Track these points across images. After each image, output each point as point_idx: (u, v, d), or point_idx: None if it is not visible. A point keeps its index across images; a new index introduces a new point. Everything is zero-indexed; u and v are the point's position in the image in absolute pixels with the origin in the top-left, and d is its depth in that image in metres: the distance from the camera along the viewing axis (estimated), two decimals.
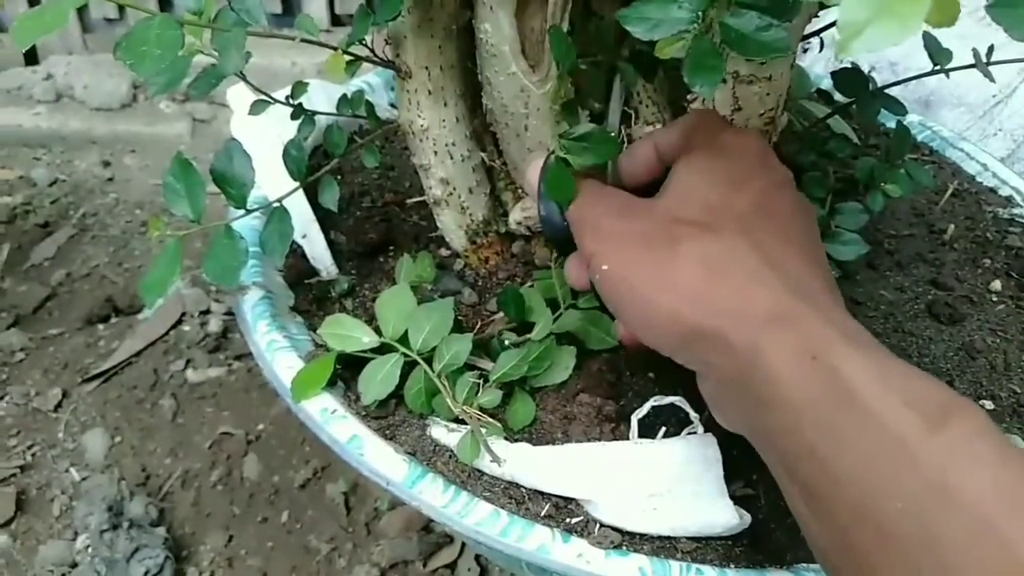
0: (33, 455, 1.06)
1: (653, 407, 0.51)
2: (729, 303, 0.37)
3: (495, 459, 0.47)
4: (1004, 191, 0.80)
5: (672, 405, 0.50)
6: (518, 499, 0.49)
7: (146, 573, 0.87)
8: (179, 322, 1.24)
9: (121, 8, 0.42)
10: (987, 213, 0.77)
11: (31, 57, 1.86)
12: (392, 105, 0.89)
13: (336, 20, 1.78)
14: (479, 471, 0.50)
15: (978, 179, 0.83)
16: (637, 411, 0.51)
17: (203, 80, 0.52)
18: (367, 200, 0.76)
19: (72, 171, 1.61)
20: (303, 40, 0.48)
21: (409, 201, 0.75)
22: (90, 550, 0.90)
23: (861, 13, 0.25)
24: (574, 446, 0.48)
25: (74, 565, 0.92)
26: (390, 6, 0.49)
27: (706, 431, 0.49)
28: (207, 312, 1.25)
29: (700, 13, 0.37)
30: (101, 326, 1.25)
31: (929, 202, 0.78)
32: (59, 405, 1.12)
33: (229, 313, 1.24)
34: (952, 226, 0.75)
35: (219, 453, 1.06)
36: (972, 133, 1.04)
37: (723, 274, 0.38)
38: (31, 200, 1.53)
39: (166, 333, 1.22)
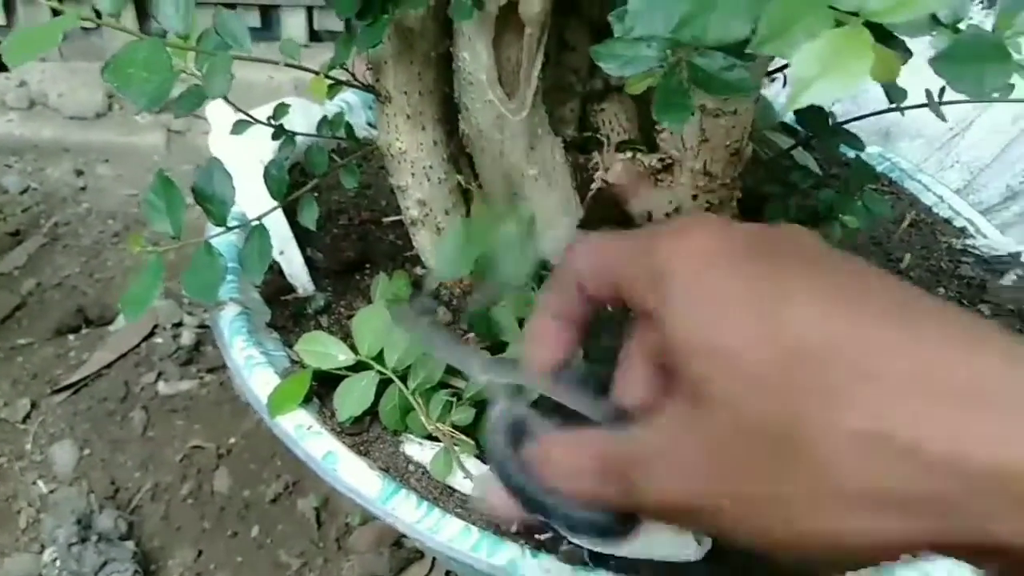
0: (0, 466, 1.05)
1: None
2: None
3: (467, 475, 0.48)
4: (959, 222, 0.83)
5: None
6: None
7: None
8: (151, 334, 1.23)
9: (97, 12, 0.43)
10: (942, 243, 0.80)
11: (3, 64, 1.85)
12: (370, 124, 0.91)
13: (315, 36, 1.79)
14: (451, 488, 0.51)
15: (934, 210, 0.86)
16: None
17: (186, 99, 0.53)
18: (344, 218, 0.77)
19: (44, 179, 1.60)
20: (286, 64, 0.50)
21: (385, 220, 0.77)
22: (58, 563, 0.90)
23: (811, 69, 0.27)
24: None
25: None
26: (372, 34, 0.50)
27: None
28: (180, 324, 1.24)
29: (668, 52, 0.39)
30: (71, 337, 1.24)
31: (887, 231, 0.81)
32: (27, 416, 1.11)
33: (202, 326, 1.24)
34: (908, 255, 0.78)
35: (189, 467, 1.06)
36: (930, 164, 1.08)
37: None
38: (2, 208, 1.51)
39: (138, 345, 1.21)
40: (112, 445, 1.08)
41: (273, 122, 0.57)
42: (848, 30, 0.28)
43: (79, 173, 1.62)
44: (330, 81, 0.54)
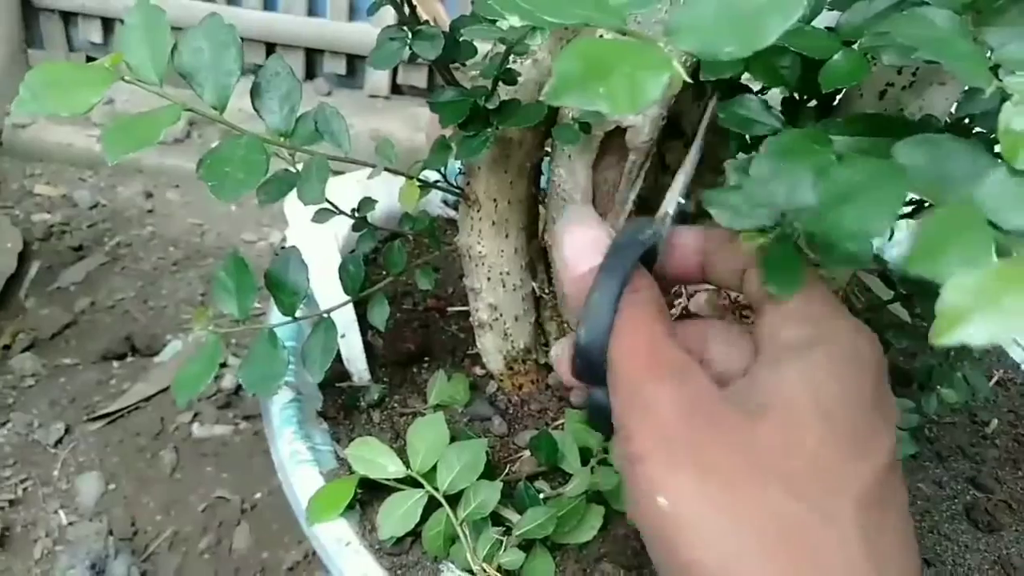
0: (24, 490, 1.04)
1: None
2: None
3: None
4: None
5: None
6: None
7: None
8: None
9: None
10: None
11: None
12: (445, 203, 0.90)
13: (396, 88, 1.81)
14: None
15: (1023, 368, 0.81)
16: None
17: (274, 187, 0.52)
18: (408, 302, 0.75)
19: (114, 197, 1.63)
20: (386, 169, 0.48)
21: (450, 309, 0.74)
22: None
23: (965, 299, 0.23)
24: None
25: None
26: (474, 147, 0.48)
27: None
28: (224, 365, 1.24)
29: (783, 216, 0.36)
30: (116, 363, 1.24)
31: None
32: (60, 441, 1.10)
33: None
34: (995, 420, 0.73)
35: (212, 518, 1.03)
36: None
37: (821, 571, 0.28)
38: (69, 221, 1.54)
39: None
40: (138, 483, 1.07)
41: (357, 214, 0.56)
42: (1012, 264, 0.24)
43: (149, 195, 1.64)
44: (420, 184, 0.52)
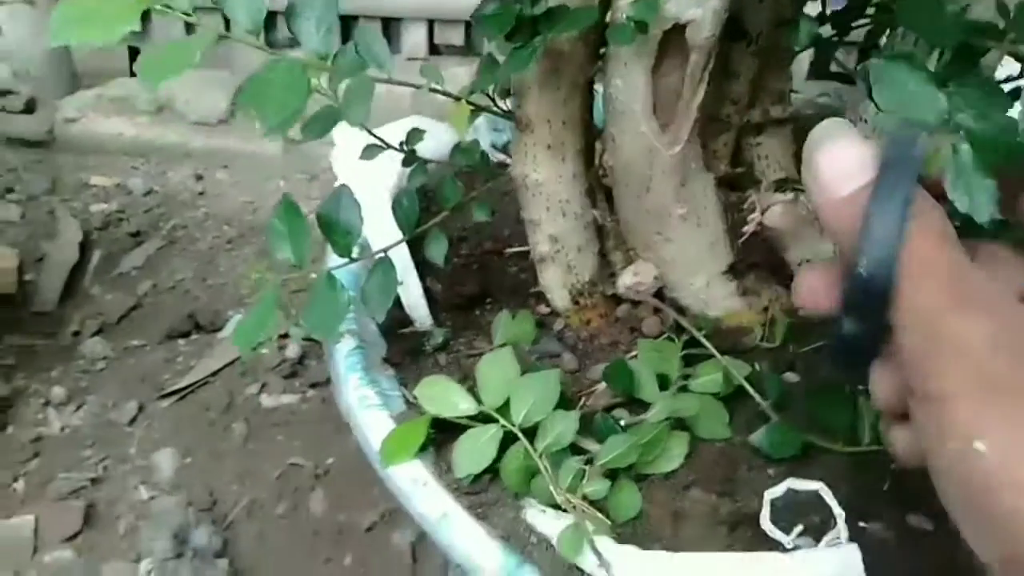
0: (104, 468, 1.06)
1: (790, 490, 0.45)
2: None
3: (602, 564, 0.42)
4: None
5: (814, 495, 0.45)
6: None
7: None
8: (258, 344, 1.23)
9: (227, 24, 0.41)
10: None
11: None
12: (495, 147, 0.87)
13: (434, 49, 1.78)
14: (579, 569, 0.45)
15: None
16: (771, 490, 0.46)
17: (318, 122, 0.50)
18: (465, 247, 0.73)
19: (166, 183, 1.64)
20: (431, 90, 0.45)
21: (508, 250, 0.72)
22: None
23: None
24: (689, 555, 0.43)
25: None
26: (522, 59, 0.45)
27: (851, 538, 0.43)
28: (286, 336, 1.24)
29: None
30: (181, 341, 1.25)
31: None
32: (134, 419, 1.12)
33: (308, 338, 1.23)
34: None
35: (286, 485, 1.04)
36: None
37: None
38: (125, 208, 1.56)
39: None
40: (212, 455, 1.08)
41: (406, 148, 0.53)
42: None
43: (199, 178, 1.66)
44: (471, 107, 0.50)
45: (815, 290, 0.33)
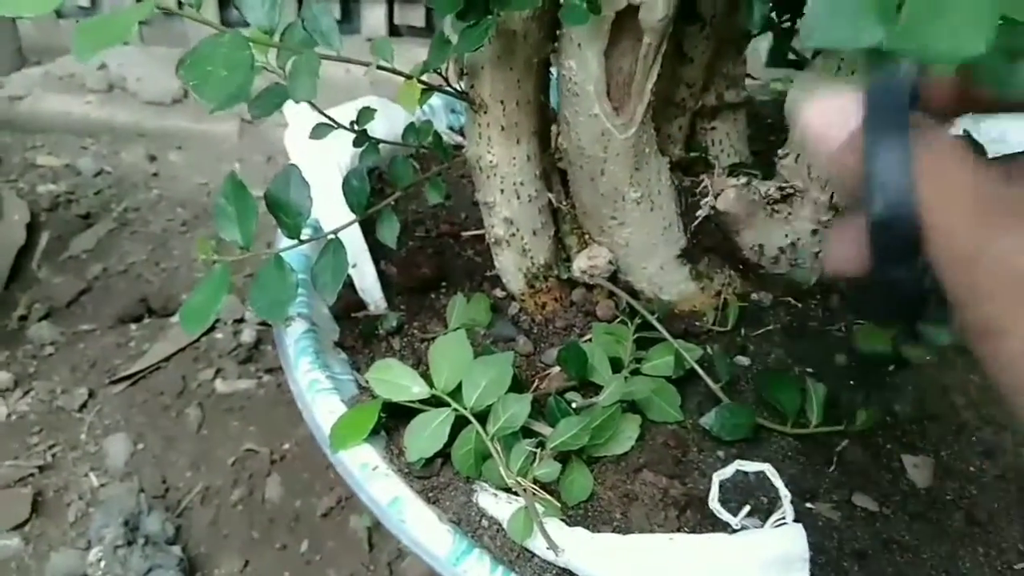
0: (53, 455, 1.03)
1: (738, 471, 0.46)
2: None
3: (551, 546, 0.42)
4: None
5: (763, 476, 0.45)
6: None
7: None
8: (212, 329, 1.20)
9: (180, 2, 0.40)
10: None
11: None
12: (451, 128, 0.86)
13: (394, 30, 1.76)
14: (529, 551, 0.45)
15: None
16: (720, 472, 0.46)
17: (266, 99, 0.49)
18: (420, 230, 0.72)
19: (118, 163, 1.60)
20: (379, 67, 0.44)
21: (465, 234, 0.71)
22: (103, 564, 0.87)
23: None
24: (638, 537, 0.43)
25: None
26: (474, 37, 0.45)
27: (797, 518, 0.44)
28: (241, 321, 1.22)
29: None
30: (133, 326, 1.22)
31: None
32: (84, 405, 1.09)
33: (264, 323, 1.21)
34: None
35: (242, 471, 1.02)
36: None
37: None
38: (74, 190, 1.51)
39: (198, 339, 1.19)
40: (166, 441, 1.06)
41: (356, 127, 0.52)
42: None
43: (152, 159, 1.62)
44: (422, 86, 0.49)
45: (845, 257, 0.29)
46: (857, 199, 0.26)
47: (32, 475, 1.00)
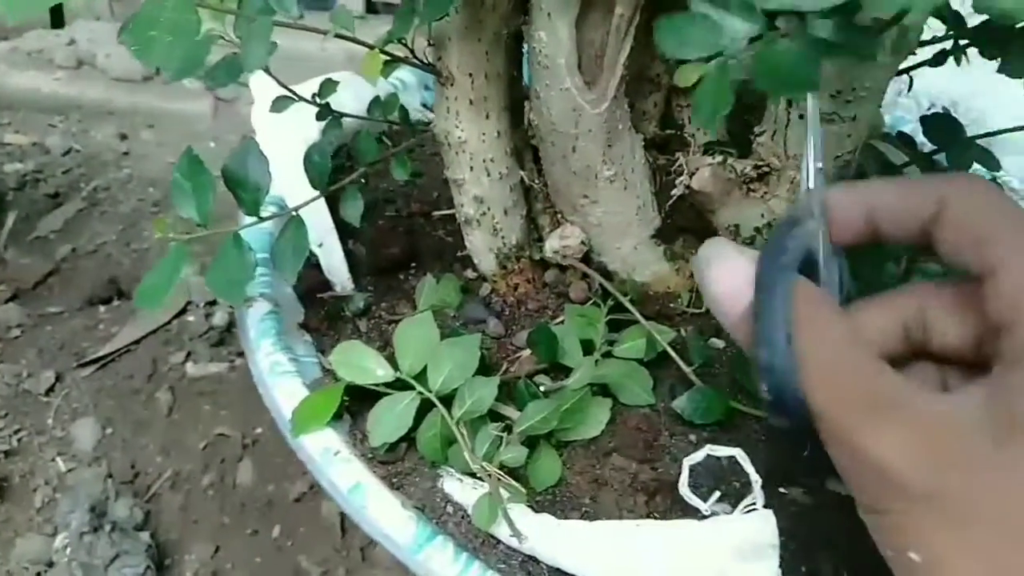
0: (19, 440, 1.01)
1: (709, 456, 0.45)
2: None
3: (515, 533, 0.41)
4: None
5: (734, 461, 0.44)
6: None
7: None
8: (183, 311, 1.18)
9: None
10: None
11: (57, 19, 1.81)
12: (424, 106, 0.84)
13: (371, 7, 1.72)
14: (494, 538, 0.44)
15: None
16: (691, 456, 0.45)
17: (222, 70, 0.47)
18: (391, 209, 0.70)
19: (87, 142, 1.56)
20: (337, 35, 0.42)
21: (436, 213, 0.70)
22: (68, 550, 0.85)
23: None
24: (605, 524, 0.42)
25: (51, 564, 0.87)
26: (439, 5, 0.43)
27: (768, 503, 0.42)
28: (213, 303, 1.19)
29: (766, 23, 0.30)
30: (102, 308, 1.20)
31: None
32: (51, 389, 1.07)
33: None
34: None
35: (213, 456, 1.00)
36: None
37: None
38: (43, 168, 1.48)
39: (168, 322, 1.16)
40: (135, 426, 1.03)
41: (318, 100, 0.50)
42: None
43: (123, 137, 1.58)
44: (385, 58, 0.47)
45: (728, 292, 0.31)
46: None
47: None
